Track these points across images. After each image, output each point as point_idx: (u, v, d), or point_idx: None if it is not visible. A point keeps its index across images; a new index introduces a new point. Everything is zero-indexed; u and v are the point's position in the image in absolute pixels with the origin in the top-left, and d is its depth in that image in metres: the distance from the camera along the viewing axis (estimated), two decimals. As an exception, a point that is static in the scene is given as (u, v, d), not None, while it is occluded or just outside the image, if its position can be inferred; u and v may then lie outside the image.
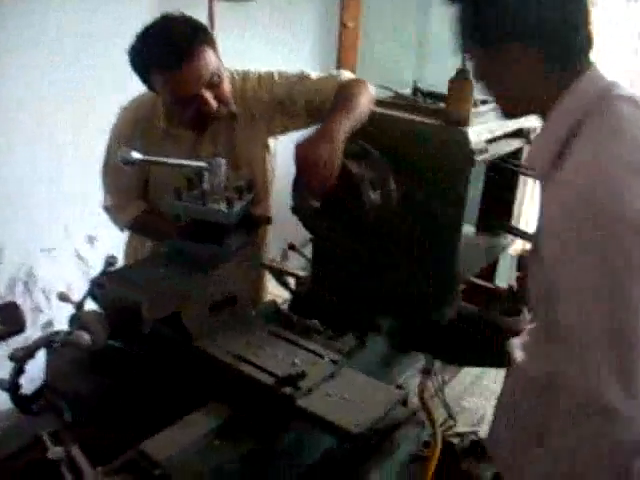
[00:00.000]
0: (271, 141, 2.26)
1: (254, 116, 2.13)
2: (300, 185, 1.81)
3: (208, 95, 1.95)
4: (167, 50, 1.86)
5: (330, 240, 1.95)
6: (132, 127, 2.11)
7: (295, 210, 1.85)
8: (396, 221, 1.90)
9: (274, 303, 2.04)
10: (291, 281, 2.32)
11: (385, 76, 3.55)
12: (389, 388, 1.58)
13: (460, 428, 2.45)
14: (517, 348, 1.66)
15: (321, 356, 1.61)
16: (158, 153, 1.95)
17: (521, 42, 1.32)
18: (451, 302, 2.04)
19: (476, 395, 2.78)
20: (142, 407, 1.52)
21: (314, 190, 1.71)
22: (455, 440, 2.42)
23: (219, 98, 1.99)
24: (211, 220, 1.58)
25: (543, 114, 1.41)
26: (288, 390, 1.48)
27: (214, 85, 1.96)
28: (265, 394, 1.50)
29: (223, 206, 1.57)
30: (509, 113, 1.52)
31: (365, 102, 1.91)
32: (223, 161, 1.59)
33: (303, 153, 1.68)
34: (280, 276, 2.32)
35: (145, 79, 1.97)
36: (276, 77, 2.13)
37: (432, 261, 1.94)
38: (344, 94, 1.93)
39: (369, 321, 2.03)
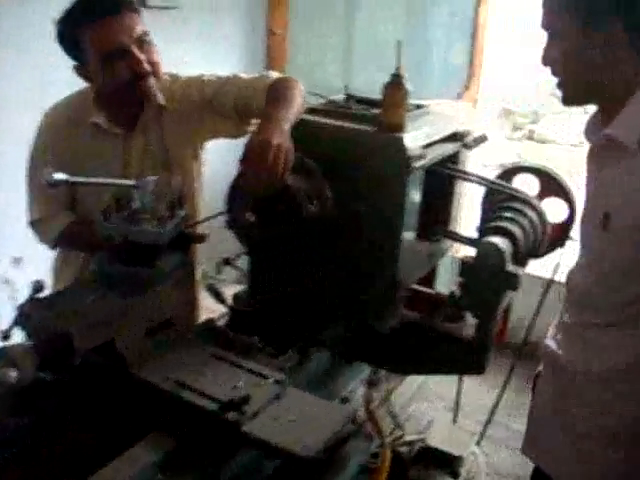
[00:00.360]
0: (200, 149, 2.20)
1: (183, 116, 2.09)
2: (237, 198, 1.75)
3: (139, 54, 1.92)
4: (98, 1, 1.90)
5: (267, 254, 1.89)
6: (58, 132, 2.06)
7: (230, 225, 1.79)
8: (334, 231, 1.86)
9: (211, 322, 1.97)
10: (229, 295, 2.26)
11: (314, 83, 3.51)
12: (336, 406, 1.53)
13: (408, 436, 2.42)
14: (560, 350, 1.80)
15: (265, 377, 1.55)
16: (89, 153, 1.89)
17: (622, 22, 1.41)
18: (393, 311, 2.01)
19: (422, 400, 2.76)
20: (76, 443, 1.44)
21: (264, 182, 1.63)
22: (403, 449, 2.39)
23: (151, 63, 1.96)
24: (142, 241, 1.50)
25: (609, 100, 1.52)
26: (233, 416, 1.41)
27: (144, 45, 1.95)
28: (209, 421, 1.43)
29: (154, 226, 1.50)
30: (574, 99, 1.62)
31: (299, 97, 1.89)
32: (152, 179, 1.52)
33: (254, 143, 1.63)
34: (217, 294, 2.25)
35: (74, 47, 1.94)
36: (206, 78, 2.11)
37: (372, 270, 1.90)
38: (278, 90, 1.90)
39: (311, 335, 1.98)
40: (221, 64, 3.48)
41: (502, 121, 10.30)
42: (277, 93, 1.89)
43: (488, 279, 1.84)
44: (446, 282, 2.40)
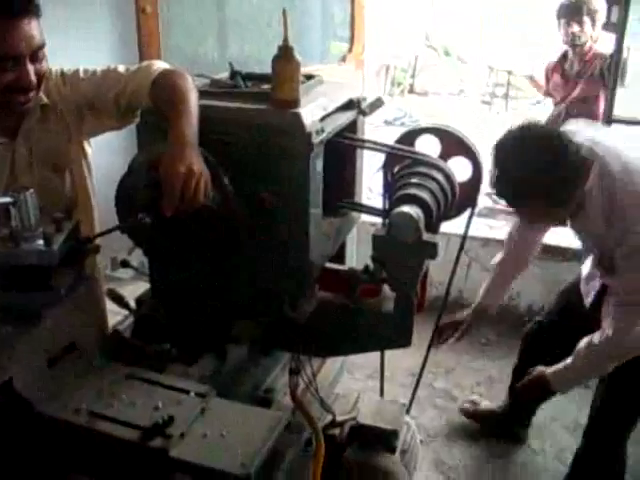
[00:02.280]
0: (87, 146, 2.02)
1: (63, 115, 1.90)
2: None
3: (30, 67, 1.73)
4: None
5: (166, 252, 1.75)
6: None
7: (126, 229, 1.64)
8: (237, 220, 1.73)
9: (117, 334, 1.82)
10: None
11: (193, 60, 3.34)
12: (265, 413, 1.43)
13: (338, 417, 2.36)
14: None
15: (185, 391, 1.42)
16: None
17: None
18: (308, 297, 1.91)
19: (347, 380, 2.72)
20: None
21: (182, 208, 1.52)
22: (336, 431, 2.33)
23: (38, 76, 1.77)
24: (29, 263, 1.33)
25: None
26: (158, 442, 1.29)
27: (38, 59, 1.75)
28: (132, 452, 1.30)
29: (40, 244, 1.33)
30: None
31: (193, 93, 1.73)
32: (30, 192, 1.34)
33: (169, 171, 1.50)
34: (119, 299, 2.09)
35: None
36: (81, 74, 1.93)
37: (282, 256, 1.80)
38: (171, 91, 1.73)
39: (225, 332, 1.86)
40: (92, 53, 3.22)
41: (381, 77, 10.31)
42: (171, 95, 1.70)
43: (405, 251, 1.77)
44: (357, 257, 2.33)
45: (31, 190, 1.35)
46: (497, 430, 3.16)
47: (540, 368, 2.57)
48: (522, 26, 11.80)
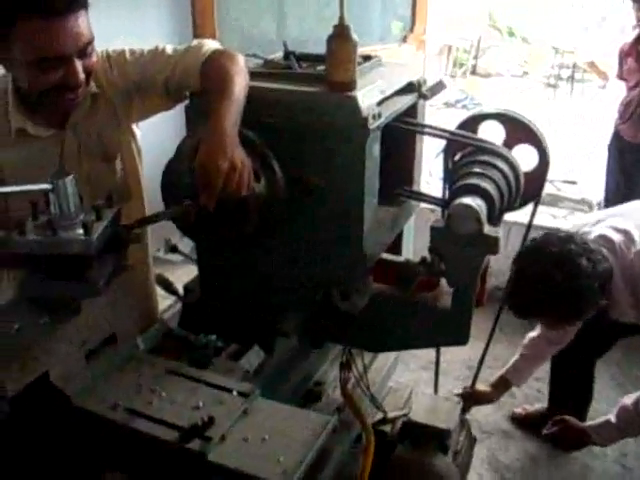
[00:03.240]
0: (136, 129, 1.96)
1: (110, 100, 1.83)
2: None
3: (78, 64, 1.64)
4: None
5: (213, 240, 1.68)
6: None
7: (170, 217, 1.57)
8: (288, 209, 1.65)
9: (163, 324, 1.77)
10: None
11: (248, 38, 3.24)
12: (312, 416, 1.34)
13: (390, 413, 2.27)
14: None
15: (228, 390, 1.35)
16: (13, 164, 1.69)
17: None
18: (362, 290, 1.82)
19: (401, 371, 2.63)
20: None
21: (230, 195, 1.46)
22: (387, 428, 2.24)
23: (87, 72, 1.69)
24: (67, 252, 1.27)
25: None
26: (196, 444, 1.22)
27: (85, 55, 1.66)
28: (169, 453, 1.23)
29: (79, 233, 1.27)
30: None
31: (242, 82, 1.63)
32: (69, 178, 1.28)
33: (206, 167, 1.42)
34: (167, 285, 2.04)
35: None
36: (127, 56, 1.82)
37: (335, 248, 1.71)
38: (217, 75, 1.64)
39: (273, 325, 1.79)
40: (145, 31, 3.16)
41: (443, 58, 10.09)
42: (217, 79, 1.61)
43: (464, 245, 1.66)
44: (414, 247, 2.22)
45: (70, 176, 1.28)
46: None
47: (575, 422, 2.65)
48: (590, 5, 11.37)
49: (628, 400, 2.45)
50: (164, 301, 2.31)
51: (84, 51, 1.64)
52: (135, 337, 1.49)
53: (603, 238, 2.32)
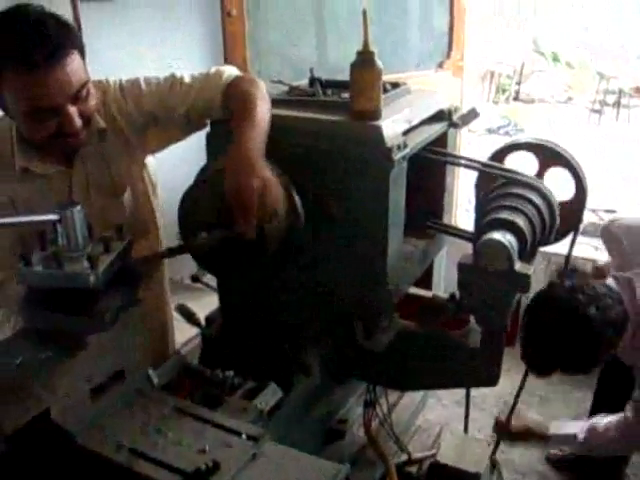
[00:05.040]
0: (150, 159, 1.91)
1: (122, 132, 1.77)
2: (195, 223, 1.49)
3: (73, 112, 1.58)
4: (36, 44, 1.48)
5: (233, 275, 1.62)
6: None
7: (191, 249, 1.52)
8: (307, 241, 1.59)
9: (180, 358, 1.71)
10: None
11: (285, 61, 3.20)
12: (324, 464, 1.26)
13: (416, 453, 2.18)
14: None
15: (237, 433, 1.28)
16: (18, 202, 1.64)
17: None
18: (386, 325, 1.74)
19: (433, 406, 2.53)
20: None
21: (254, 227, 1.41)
22: (412, 469, 2.15)
23: (84, 116, 1.63)
24: (71, 286, 1.22)
25: None
26: (199, 491, 1.15)
27: (80, 99, 1.60)
28: (171, 500, 1.17)
29: (85, 266, 1.22)
30: None
31: (264, 103, 1.59)
32: (77, 208, 1.23)
33: (237, 188, 1.39)
34: (189, 315, 1.99)
35: None
36: (143, 86, 1.75)
37: (357, 282, 1.64)
38: (240, 100, 1.60)
39: (294, 361, 1.72)
40: (175, 58, 3.14)
41: (486, 84, 9.99)
42: (240, 104, 1.57)
43: (494, 282, 1.58)
44: (444, 282, 2.14)
45: (78, 207, 1.24)
46: (591, 473, 2.88)
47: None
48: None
49: (601, 422, 2.33)
50: (189, 332, 2.26)
51: (78, 96, 1.59)
52: (146, 373, 1.43)
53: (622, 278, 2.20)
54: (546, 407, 3.30)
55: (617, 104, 9.80)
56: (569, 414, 3.25)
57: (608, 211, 4.57)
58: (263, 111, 1.57)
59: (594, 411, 2.85)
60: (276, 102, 1.67)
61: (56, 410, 1.23)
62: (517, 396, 2.31)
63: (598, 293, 2.08)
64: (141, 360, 1.43)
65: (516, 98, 10.94)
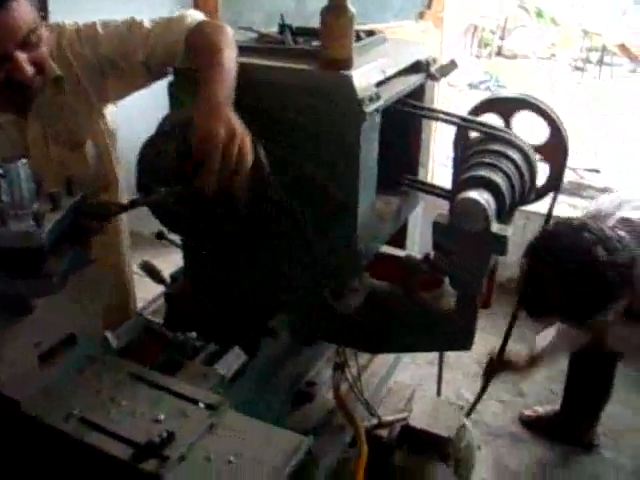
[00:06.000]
0: (109, 110, 1.80)
1: (79, 80, 1.67)
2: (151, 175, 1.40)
3: (22, 58, 1.50)
4: None
5: (196, 234, 1.54)
6: None
7: (150, 205, 1.43)
8: (273, 198, 1.50)
9: (141, 319, 1.63)
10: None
11: (260, 9, 3.07)
12: (286, 434, 1.20)
13: (387, 416, 2.13)
14: None
15: (195, 402, 1.21)
16: None
17: None
18: (356, 286, 1.67)
19: (402, 369, 2.48)
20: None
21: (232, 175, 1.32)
22: (383, 432, 2.11)
23: (36, 62, 1.53)
24: (14, 246, 1.13)
25: None
26: (151, 464, 1.08)
27: (30, 45, 1.51)
28: (122, 473, 1.10)
29: (30, 224, 1.13)
30: None
31: (232, 54, 1.49)
32: (22, 162, 1.14)
33: (205, 134, 1.29)
34: (153, 272, 1.91)
35: None
36: (100, 29, 1.66)
37: (326, 242, 1.56)
38: (204, 47, 1.50)
39: (261, 324, 1.65)
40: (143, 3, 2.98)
41: (468, 38, 9.83)
42: (205, 51, 1.48)
43: (470, 243, 1.51)
44: (420, 241, 2.07)
45: (23, 160, 1.14)
46: (563, 433, 2.86)
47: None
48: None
49: None
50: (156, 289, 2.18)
51: (27, 42, 1.49)
52: (100, 337, 1.36)
53: (626, 222, 2.09)
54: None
55: (600, 62, 9.71)
56: (543, 375, 3.22)
57: (589, 170, 4.52)
58: (230, 58, 1.47)
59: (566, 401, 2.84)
60: (242, 50, 1.56)
61: (2, 378, 1.15)
62: (506, 338, 2.26)
63: (607, 233, 1.95)
64: (96, 323, 1.35)
65: (499, 53, 10.80)
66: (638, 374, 3.15)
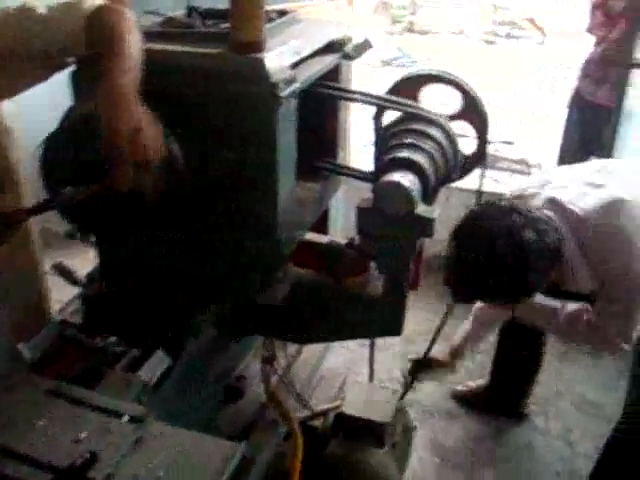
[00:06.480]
0: (5, 106, 1.67)
1: None
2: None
3: None
4: None
5: (108, 233, 1.45)
6: None
7: (56, 206, 1.33)
8: (188, 191, 1.42)
9: (55, 326, 1.54)
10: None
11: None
12: (217, 443, 1.13)
13: (320, 405, 2.09)
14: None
15: (118, 414, 1.13)
16: None
17: None
18: (280, 277, 1.61)
19: (333, 354, 2.44)
20: None
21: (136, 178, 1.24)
22: (317, 422, 2.07)
23: None
24: None
25: None
26: (74, 488, 1.01)
27: None
28: (42, 500, 1.02)
29: None
30: None
31: (135, 40, 1.38)
32: None
33: (109, 132, 1.21)
34: (66, 273, 1.80)
35: None
36: None
37: (247, 233, 1.49)
38: (104, 34, 1.39)
39: (183, 323, 1.57)
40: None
41: (379, 15, 9.84)
42: (105, 38, 1.36)
43: (395, 227, 1.47)
44: (342, 227, 2.02)
45: None
46: (495, 406, 2.89)
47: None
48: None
49: (574, 312, 2.17)
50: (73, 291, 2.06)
51: None
52: (10, 351, 1.26)
53: (552, 202, 2.05)
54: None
55: (508, 35, 9.88)
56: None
57: (504, 142, 4.57)
58: (133, 45, 1.37)
59: (495, 375, 2.85)
60: (148, 35, 1.46)
61: None
62: (437, 332, 2.23)
63: (535, 215, 1.92)
64: (6, 336, 1.25)
65: (410, 29, 10.84)
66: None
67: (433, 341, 2.26)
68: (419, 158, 1.49)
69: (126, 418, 1.13)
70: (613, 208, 1.98)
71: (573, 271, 2.02)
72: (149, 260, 1.57)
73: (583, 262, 2.00)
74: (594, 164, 2.42)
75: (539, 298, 2.14)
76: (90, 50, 1.44)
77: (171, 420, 1.29)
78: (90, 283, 1.77)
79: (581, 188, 2.07)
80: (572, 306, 2.16)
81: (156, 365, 1.41)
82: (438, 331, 2.21)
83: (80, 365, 1.43)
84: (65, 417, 1.14)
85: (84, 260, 1.86)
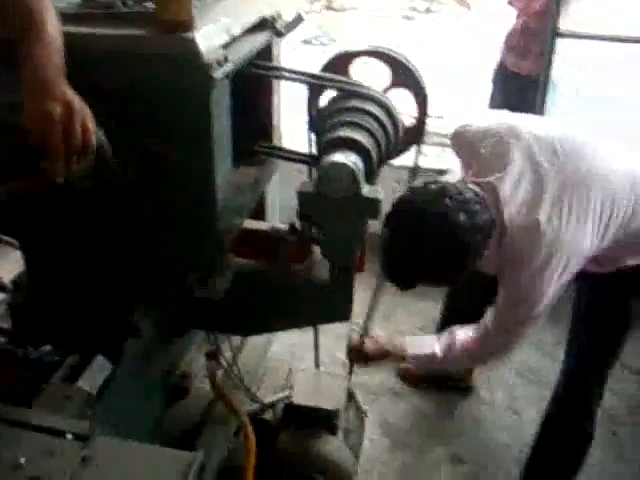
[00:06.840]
0: None
1: None
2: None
3: None
4: None
5: (34, 233, 1.35)
6: None
7: None
8: (119, 183, 1.33)
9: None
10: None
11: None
12: (176, 453, 1.05)
13: (268, 397, 2.03)
14: None
15: (60, 433, 1.04)
16: None
17: None
18: (221, 268, 1.54)
19: (276, 342, 2.38)
20: None
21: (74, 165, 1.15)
22: (267, 415, 2.01)
23: None
24: None
25: None
26: (16, 519, 0.92)
27: None
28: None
29: None
30: None
31: (53, 19, 1.27)
32: None
33: (37, 115, 1.12)
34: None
35: None
36: None
37: (184, 224, 1.41)
38: (18, 15, 1.27)
39: (122, 324, 1.48)
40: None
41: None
42: (20, 20, 1.25)
43: (340, 210, 1.41)
44: (280, 211, 1.95)
45: None
46: (440, 381, 2.88)
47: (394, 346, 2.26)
48: None
49: (459, 336, 2.12)
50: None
51: None
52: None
53: (494, 191, 2.02)
54: (391, 321, 3.25)
55: (427, 10, 9.93)
56: (413, 325, 3.23)
57: (433, 117, 4.55)
58: (54, 26, 1.26)
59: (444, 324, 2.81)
60: (65, 18, 1.35)
61: None
62: (368, 318, 2.18)
63: (466, 198, 1.83)
64: None
65: (328, 7, 10.76)
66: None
67: (366, 329, 2.20)
68: (361, 137, 1.43)
69: (70, 436, 1.04)
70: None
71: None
72: (80, 260, 1.47)
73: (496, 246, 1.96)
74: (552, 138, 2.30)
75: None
76: (5, 33, 1.33)
77: (118, 429, 1.21)
78: (18, 289, 1.66)
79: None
80: (460, 335, 2.13)
81: (96, 372, 1.31)
82: (369, 317, 2.16)
83: (12, 380, 1.32)
84: (2, 441, 1.04)
85: (13, 262, 1.74)
